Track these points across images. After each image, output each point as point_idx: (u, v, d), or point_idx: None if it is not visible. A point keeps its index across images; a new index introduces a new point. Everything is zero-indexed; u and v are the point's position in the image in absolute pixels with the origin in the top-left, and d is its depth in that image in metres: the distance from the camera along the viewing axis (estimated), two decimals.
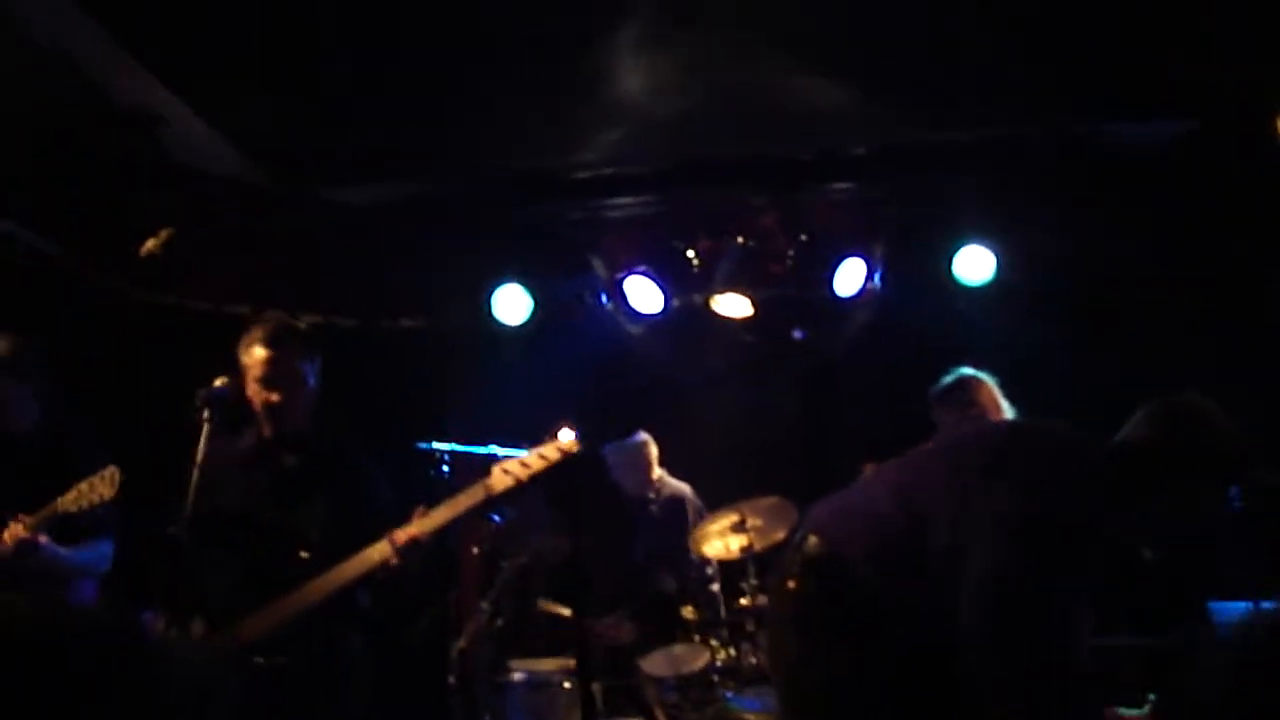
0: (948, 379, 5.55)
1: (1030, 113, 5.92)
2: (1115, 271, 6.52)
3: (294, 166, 6.28)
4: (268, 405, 3.80)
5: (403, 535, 3.57)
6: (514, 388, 6.50)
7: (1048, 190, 6.35)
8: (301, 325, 3.97)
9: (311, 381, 3.90)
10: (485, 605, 5.27)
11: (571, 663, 5.26)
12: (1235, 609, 5.64)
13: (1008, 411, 5.46)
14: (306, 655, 3.61)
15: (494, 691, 5.25)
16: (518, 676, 5.23)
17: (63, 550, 4.14)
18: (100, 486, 3.96)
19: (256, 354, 3.81)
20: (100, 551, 4.34)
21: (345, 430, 4.04)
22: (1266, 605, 5.24)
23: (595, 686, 5.39)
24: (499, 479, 3.62)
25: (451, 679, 5.22)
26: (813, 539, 2.99)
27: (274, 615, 3.59)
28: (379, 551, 3.59)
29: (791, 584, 2.99)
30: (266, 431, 3.87)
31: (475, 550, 5.51)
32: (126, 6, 4.79)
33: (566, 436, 3.62)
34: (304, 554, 3.66)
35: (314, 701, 3.63)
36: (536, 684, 5.20)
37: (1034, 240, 6.47)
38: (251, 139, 5.98)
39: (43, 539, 4.01)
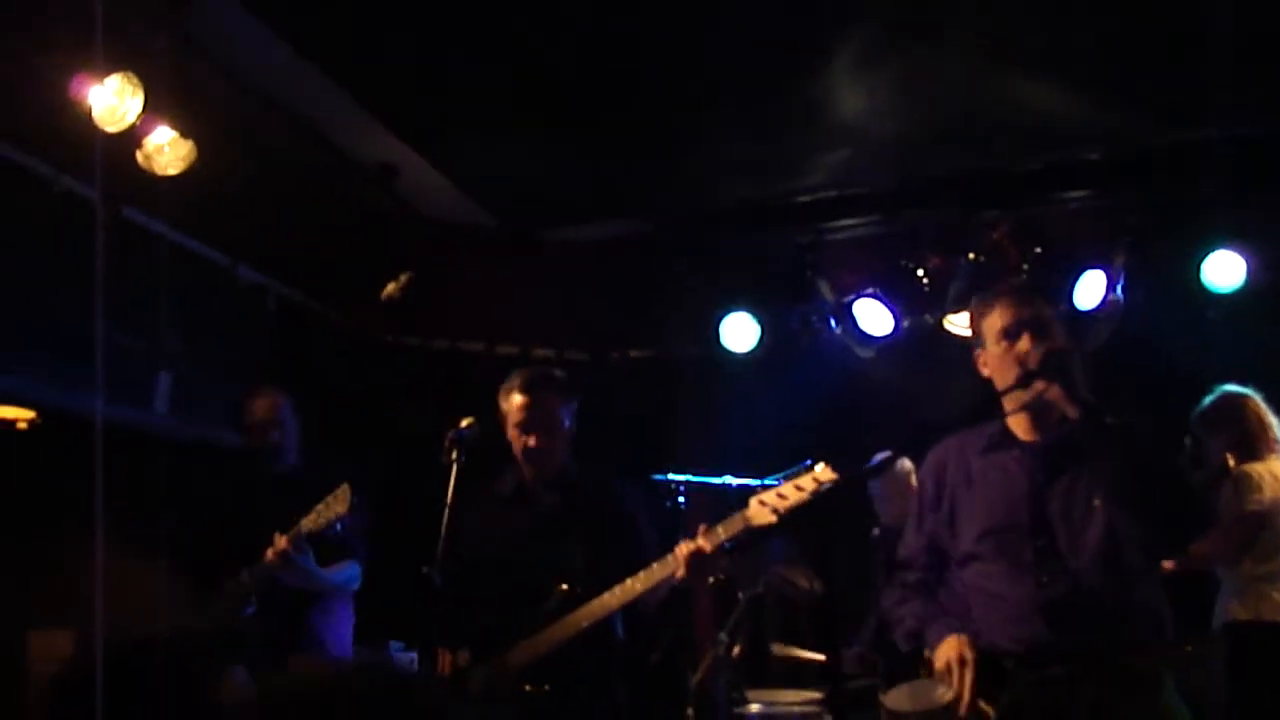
0: (1210, 398, 5.28)
1: (1274, 106, 5.59)
2: None
3: (523, 209, 6.46)
4: (526, 449, 3.94)
5: (686, 547, 3.60)
6: (745, 416, 6.48)
7: None
8: (558, 372, 4.09)
9: (568, 424, 4.03)
10: (722, 636, 5.24)
11: (812, 694, 5.18)
12: None
13: (1278, 429, 5.16)
14: (569, 684, 3.75)
15: None
16: (755, 708, 5.17)
17: (315, 565, 4.55)
18: (335, 504, 4.35)
19: (515, 400, 3.97)
20: (349, 574, 4.80)
21: (608, 469, 4.13)
22: None
23: None
24: (757, 512, 3.56)
25: (690, 711, 5.21)
26: None
27: (538, 645, 3.74)
28: (637, 584, 3.66)
29: None
30: (527, 474, 4.01)
31: (711, 580, 5.49)
32: (363, 66, 5.03)
33: (821, 468, 3.51)
34: (564, 586, 3.77)
35: None
36: (774, 717, 5.13)
37: None
38: (483, 185, 6.19)
39: (294, 550, 4.39)
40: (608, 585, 3.71)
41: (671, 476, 5.06)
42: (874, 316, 6.57)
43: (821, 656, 5.54)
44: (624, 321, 7.16)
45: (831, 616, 4.65)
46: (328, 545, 4.59)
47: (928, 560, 3.50)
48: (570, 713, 3.76)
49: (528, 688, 3.72)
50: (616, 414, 6.93)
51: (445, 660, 3.80)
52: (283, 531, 4.44)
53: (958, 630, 3.25)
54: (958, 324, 6.34)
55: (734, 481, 4.97)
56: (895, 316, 6.56)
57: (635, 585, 3.67)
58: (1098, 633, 3.06)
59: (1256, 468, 5.05)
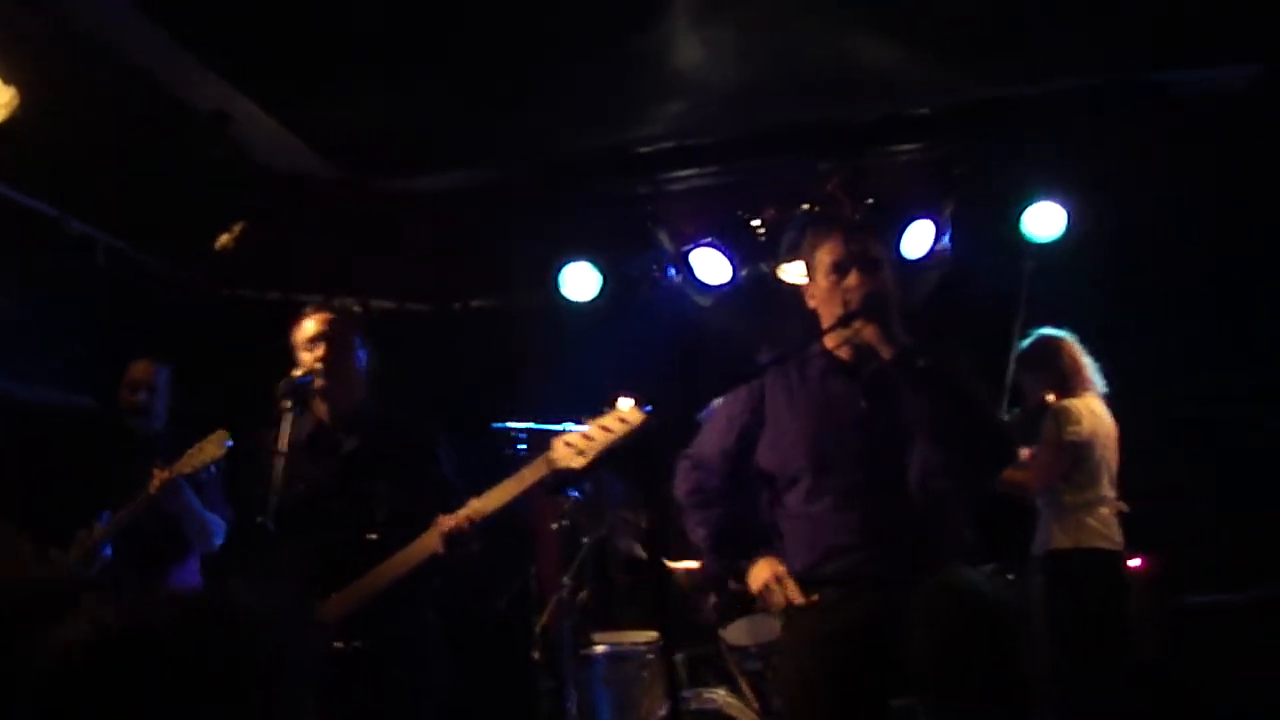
0: (1028, 340, 5.52)
1: (1098, 64, 5.82)
2: (1188, 223, 6.41)
3: (361, 158, 6.36)
4: (320, 388, 3.79)
5: (448, 522, 3.54)
6: (586, 364, 6.52)
7: (1117, 142, 6.25)
8: (355, 307, 4.00)
9: (364, 361, 3.90)
10: (566, 581, 5.32)
11: (653, 635, 5.29)
12: None
13: (1091, 370, 5.44)
14: (383, 638, 3.63)
15: (578, 665, 5.30)
16: (601, 650, 5.27)
17: (195, 499, 4.63)
18: (209, 448, 4.28)
19: (305, 329, 3.83)
20: (218, 523, 4.80)
21: (413, 411, 4.05)
22: None
23: (679, 657, 5.43)
24: (561, 453, 3.49)
25: (535, 654, 5.29)
26: None
27: (349, 599, 3.60)
28: (432, 538, 3.57)
29: None
30: (324, 416, 3.88)
31: (554, 526, 5.56)
32: (194, 13, 4.89)
33: (627, 406, 3.45)
34: (371, 536, 3.67)
35: (394, 683, 3.64)
36: (619, 657, 5.23)
37: (1105, 194, 6.37)
38: (320, 133, 6.07)
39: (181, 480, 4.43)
40: (413, 530, 3.60)
41: (511, 425, 5.07)
42: (711, 265, 6.68)
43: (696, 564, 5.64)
44: (465, 272, 7.14)
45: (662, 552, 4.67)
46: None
47: (728, 467, 3.57)
48: (385, 669, 3.65)
49: (339, 645, 3.58)
50: (458, 364, 6.93)
51: None
52: None
53: (765, 557, 3.39)
54: (792, 273, 6.49)
55: (573, 428, 5.01)
56: (732, 265, 6.67)
57: (435, 540, 3.57)
58: (915, 561, 3.20)
59: (1074, 403, 5.32)
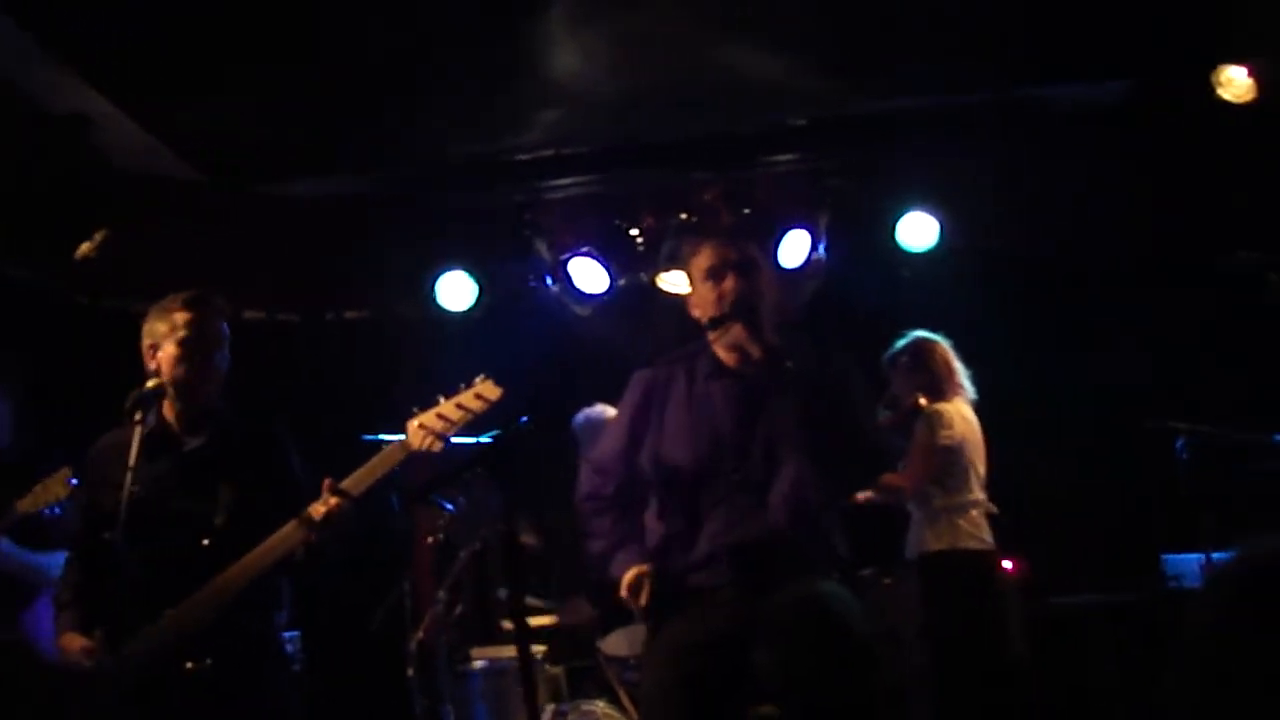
0: (901, 343, 5.60)
1: (972, 78, 5.93)
2: (1057, 233, 6.57)
3: (228, 164, 6.20)
4: (178, 380, 3.54)
5: (318, 509, 3.31)
6: (461, 375, 6.41)
7: (989, 154, 6.38)
8: (220, 300, 3.79)
9: (223, 360, 3.65)
10: (441, 594, 5.24)
11: (535, 648, 5.24)
12: (1188, 561, 5.73)
13: (962, 375, 5.53)
14: (233, 654, 3.38)
15: (455, 680, 5.23)
16: (478, 664, 5.21)
17: (17, 550, 4.40)
18: (54, 487, 4.09)
19: (177, 318, 3.57)
20: (50, 561, 4.43)
21: (261, 412, 3.86)
22: (1219, 557, 5.30)
23: (558, 670, 5.39)
24: (416, 435, 3.32)
25: (410, 670, 5.19)
26: None
27: (193, 613, 3.34)
28: (291, 533, 3.34)
29: None
30: (170, 415, 3.61)
31: (430, 540, 5.48)
32: (52, 11, 4.71)
33: (482, 382, 3.32)
34: (205, 542, 3.42)
35: (248, 704, 3.43)
36: (497, 671, 5.18)
37: (977, 205, 6.50)
38: (185, 138, 5.91)
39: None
40: (255, 536, 3.36)
41: (384, 437, 4.97)
42: (589, 275, 6.65)
43: (541, 605, 5.61)
44: (338, 281, 6.99)
45: (520, 564, 4.61)
46: (39, 527, 4.39)
47: (623, 469, 3.55)
48: (236, 686, 3.38)
49: (189, 665, 3.32)
50: (330, 376, 6.79)
51: (75, 644, 3.37)
52: None
53: (638, 562, 3.36)
54: (670, 282, 6.49)
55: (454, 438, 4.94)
56: (610, 275, 6.66)
57: (286, 538, 3.34)
58: (779, 572, 3.17)
59: (946, 407, 5.40)
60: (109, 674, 3.28)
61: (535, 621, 5.53)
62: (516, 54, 5.39)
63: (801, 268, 6.53)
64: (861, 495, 5.38)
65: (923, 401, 5.41)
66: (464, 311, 6.76)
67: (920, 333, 5.62)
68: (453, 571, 5.31)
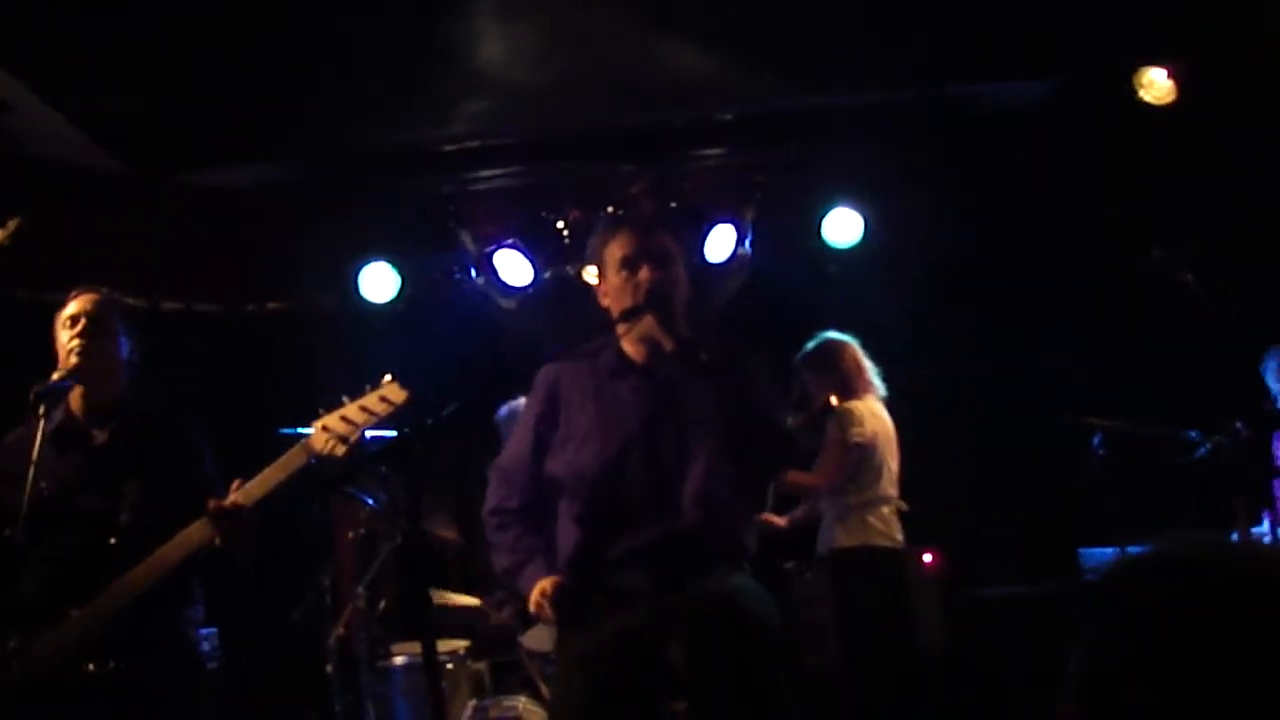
0: (811, 343, 5.63)
1: (897, 77, 5.97)
2: (981, 232, 6.64)
3: (146, 152, 6.07)
4: (73, 372, 3.44)
5: (216, 506, 3.22)
6: (384, 367, 6.34)
7: (914, 153, 6.42)
8: (123, 298, 3.70)
9: (128, 352, 3.58)
10: (361, 590, 5.18)
11: (457, 644, 5.20)
12: (1104, 555, 5.82)
13: (872, 373, 5.57)
14: (141, 655, 3.30)
15: (375, 677, 5.16)
16: (399, 661, 5.15)
17: None
18: None
19: (66, 309, 3.52)
20: None
21: (171, 405, 3.77)
22: (1133, 550, 5.39)
23: (481, 665, 5.35)
24: (320, 439, 3.22)
25: (329, 667, 5.12)
26: None
27: (98, 613, 3.24)
28: (198, 531, 3.25)
29: None
30: (75, 408, 3.54)
31: (351, 535, 5.41)
32: None
33: (388, 385, 3.22)
34: (111, 540, 3.34)
35: (153, 706, 3.35)
36: (418, 667, 5.12)
37: (902, 203, 6.54)
38: (102, 125, 5.78)
39: None
40: (163, 532, 3.27)
41: (302, 430, 4.90)
42: (514, 267, 6.61)
43: (474, 600, 5.56)
44: (258, 272, 6.88)
45: (427, 558, 4.52)
46: None
47: (529, 476, 3.42)
48: (141, 688, 3.30)
49: (91, 667, 3.23)
50: (249, 367, 6.68)
51: None
52: None
53: (545, 574, 3.25)
54: (595, 275, 6.46)
55: (369, 433, 4.87)
56: (535, 267, 6.62)
57: (193, 536, 3.25)
58: (690, 570, 3.13)
59: (857, 405, 5.43)
60: (9, 676, 3.20)
61: (459, 601, 5.50)
62: (443, 43, 5.33)
63: (727, 262, 6.54)
64: (779, 520, 5.45)
65: (834, 400, 5.44)
66: (387, 303, 6.69)
67: (829, 333, 5.65)
68: (374, 567, 5.25)
